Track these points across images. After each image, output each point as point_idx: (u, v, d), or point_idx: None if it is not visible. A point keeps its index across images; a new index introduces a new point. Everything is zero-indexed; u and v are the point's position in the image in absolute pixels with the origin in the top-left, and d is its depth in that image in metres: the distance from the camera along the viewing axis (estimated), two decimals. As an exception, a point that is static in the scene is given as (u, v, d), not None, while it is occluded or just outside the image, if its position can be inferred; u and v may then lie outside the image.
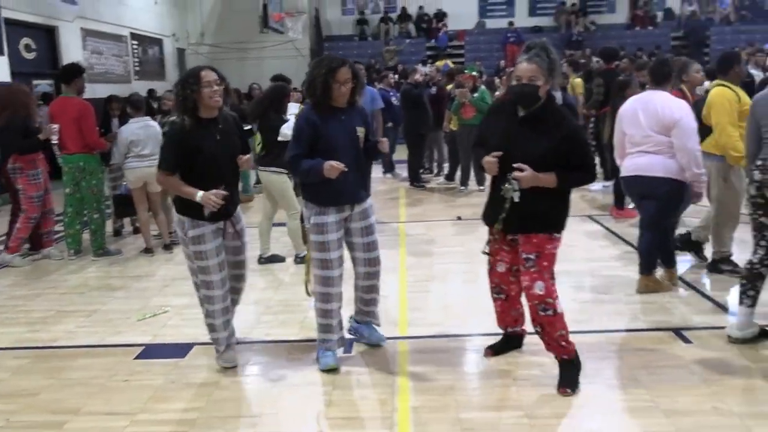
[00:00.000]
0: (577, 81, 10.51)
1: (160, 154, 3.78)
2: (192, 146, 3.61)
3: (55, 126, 6.32)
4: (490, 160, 3.37)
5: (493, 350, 3.94)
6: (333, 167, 3.52)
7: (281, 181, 5.99)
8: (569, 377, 3.48)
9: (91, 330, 4.68)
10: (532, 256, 3.43)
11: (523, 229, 3.47)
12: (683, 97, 5.38)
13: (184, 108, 3.60)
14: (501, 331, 4.00)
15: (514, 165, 3.29)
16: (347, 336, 4.08)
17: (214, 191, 3.54)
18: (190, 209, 3.66)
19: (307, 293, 4.00)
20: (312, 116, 3.67)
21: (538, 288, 3.40)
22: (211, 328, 3.88)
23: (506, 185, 3.34)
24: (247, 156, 3.89)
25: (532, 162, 3.29)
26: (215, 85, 3.57)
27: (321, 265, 3.77)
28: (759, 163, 3.85)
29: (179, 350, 4.21)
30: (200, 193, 3.54)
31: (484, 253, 3.84)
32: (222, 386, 3.72)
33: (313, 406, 3.45)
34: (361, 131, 3.79)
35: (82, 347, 4.37)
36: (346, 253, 3.91)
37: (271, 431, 3.25)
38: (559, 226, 3.48)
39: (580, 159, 3.42)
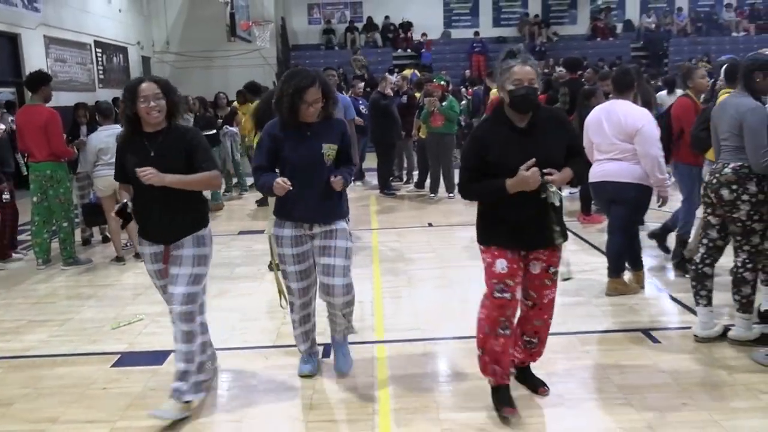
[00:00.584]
0: None
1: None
2: (124, 160, 3.41)
3: (1, 126, 6.33)
4: (533, 171, 3.05)
5: (511, 405, 3.33)
6: (279, 185, 3.38)
7: None
8: (539, 378, 3.62)
9: (65, 339, 4.63)
10: (556, 269, 3.36)
11: (558, 240, 3.26)
12: (692, 103, 5.49)
13: (124, 120, 3.41)
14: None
15: (545, 171, 3.08)
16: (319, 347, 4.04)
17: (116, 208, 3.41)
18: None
19: (281, 306, 4.06)
20: (274, 131, 3.55)
21: (555, 298, 3.43)
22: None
23: (549, 191, 3.12)
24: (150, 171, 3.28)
25: (554, 165, 3.14)
26: (153, 100, 3.28)
27: (283, 275, 3.74)
28: (714, 166, 4.05)
29: (156, 358, 4.20)
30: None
31: (567, 279, 3.65)
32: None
33: (294, 409, 3.48)
34: (329, 148, 3.52)
35: (58, 356, 4.32)
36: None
37: (255, 435, 3.27)
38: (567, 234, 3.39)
39: (577, 145, 3.51)
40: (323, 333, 4.07)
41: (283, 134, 3.52)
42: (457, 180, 3.61)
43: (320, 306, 3.84)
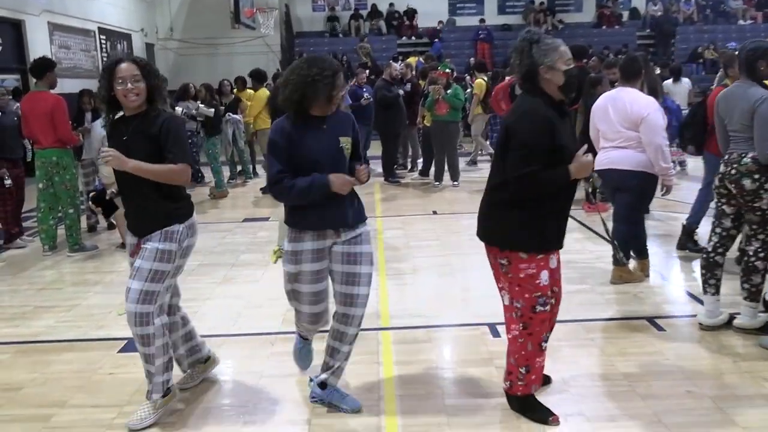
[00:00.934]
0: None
1: None
2: (110, 144, 3.17)
3: None
4: (589, 155, 2.94)
5: (551, 413, 3.20)
6: (342, 180, 3.04)
7: None
8: None
9: (72, 324, 4.66)
10: None
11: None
12: None
13: (102, 102, 3.20)
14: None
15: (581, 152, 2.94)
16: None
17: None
18: None
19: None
20: (287, 127, 3.08)
21: None
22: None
23: (594, 176, 3.08)
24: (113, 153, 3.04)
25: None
26: (131, 82, 3.05)
27: (291, 296, 3.34)
28: (725, 156, 4.02)
29: (163, 343, 4.21)
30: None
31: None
32: (208, 378, 3.74)
33: (300, 395, 3.50)
34: (346, 142, 3.15)
35: (65, 341, 4.35)
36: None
37: (262, 419, 3.29)
38: None
39: None
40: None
41: (296, 129, 3.08)
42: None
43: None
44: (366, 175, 3.19)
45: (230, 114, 10.42)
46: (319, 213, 3.10)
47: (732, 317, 4.14)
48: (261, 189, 9.83)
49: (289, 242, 3.20)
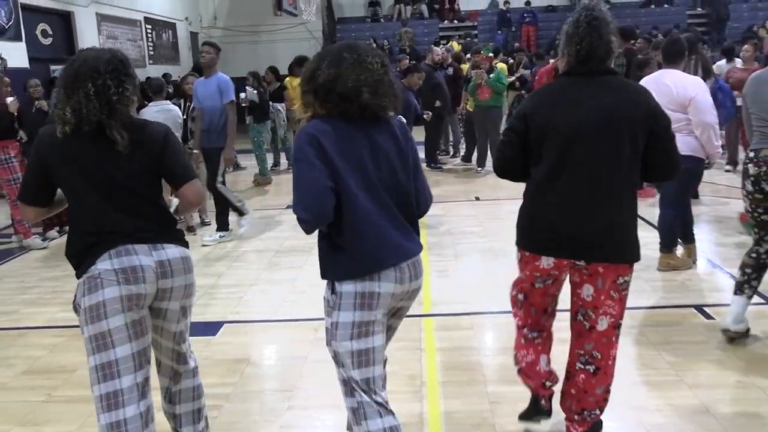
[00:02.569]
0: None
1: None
2: None
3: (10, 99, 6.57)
4: None
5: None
6: None
7: None
8: None
9: (122, 309, 4.80)
10: None
11: None
12: None
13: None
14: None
15: None
16: None
17: None
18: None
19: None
20: None
21: None
22: None
23: None
24: None
25: None
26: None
27: (342, 360, 2.42)
28: (751, 155, 3.61)
29: (210, 328, 4.32)
30: None
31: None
32: (253, 363, 3.82)
33: (343, 381, 3.54)
34: None
35: (116, 326, 4.48)
36: None
37: (305, 404, 3.35)
38: None
39: None
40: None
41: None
42: None
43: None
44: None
45: (272, 103, 10.49)
46: None
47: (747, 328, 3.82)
48: None
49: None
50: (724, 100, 7.87)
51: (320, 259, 2.39)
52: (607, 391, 2.80)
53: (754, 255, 3.72)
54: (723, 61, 10.74)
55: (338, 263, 2.31)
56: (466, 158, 10.46)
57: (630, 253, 2.59)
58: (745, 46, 9.03)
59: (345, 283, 2.30)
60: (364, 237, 2.23)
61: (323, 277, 2.40)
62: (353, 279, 2.27)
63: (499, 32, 20.46)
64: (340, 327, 2.34)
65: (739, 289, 3.75)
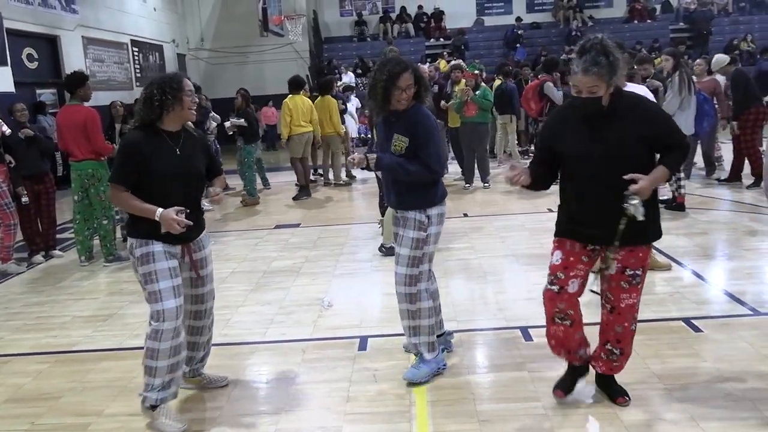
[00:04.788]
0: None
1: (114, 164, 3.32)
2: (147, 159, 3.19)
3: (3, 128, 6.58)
4: None
5: (563, 389, 3.36)
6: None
7: None
8: (621, 387, 3.36)
9: (109, 334, 4.75)
10: (639, 272, 3.10)
11: (634, 241, 3.04)
12: None
13: (151, 114, 3.22)
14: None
15: (626, 177, 2.88)
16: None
17: (177, 213, 3.11)
18: (139, 228, 3.23)
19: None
20: (377, 118, 3.76)
21: (637, 304, 3.19)
22: (149, 371, 3.24)
23: (628, 203, 2.86)
24: (219, 191, 3.56)
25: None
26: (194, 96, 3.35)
27: (426, 259, 3.69)
28: None
29: (197, 351, 4.26)
30: (159, 211, 3.11)
31: (593, 291, 3.24)
32: (241, 386, 3.78)
33: (331, 401, 3.51)
34: (398, 139, 3.51)
35: (102, 351, 4.43)
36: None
37: (293, 427, 3.30)
38: (659, 233, 3.17)
39: (671, 137, 3.05)
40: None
41: (379, 120, 3.68)
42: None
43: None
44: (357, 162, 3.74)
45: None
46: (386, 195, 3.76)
47: None
48: (293, 198, 9.92)
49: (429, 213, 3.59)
50: (709, 111, 8.00)
51: (410, 195, 3.57)
52: (625, 333, 3.20)
53: None
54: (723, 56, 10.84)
55: (431, 194, 3.59)
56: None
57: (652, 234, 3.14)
58: (698, 60, 9.61)
59: (435, 208, 3.60)
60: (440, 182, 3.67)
61: (416, 207, 3.57)
62: (440, 204, 3.63)
63: (518, 45, 20.45)
64: (432, 237, 3.63)
65: None
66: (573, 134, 3.04)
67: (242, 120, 9.71)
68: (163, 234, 3.16)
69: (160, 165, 3.19)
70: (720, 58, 9.06)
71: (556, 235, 3.23)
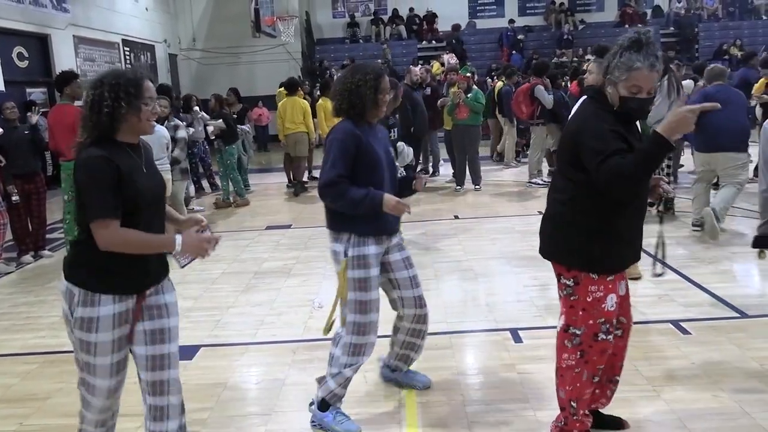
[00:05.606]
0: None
1: (88, 197, 2.32)
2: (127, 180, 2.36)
3: None
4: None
5: None
6: (396, 204, 3.01)
7: None
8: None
9: (97, 334, 4.72)
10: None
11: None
12: None
13: (100, 125, 2.38)
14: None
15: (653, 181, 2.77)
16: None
17: (197, 232, 2.47)
18: (94, 274, 2.39)
19: (325, 332, 3.24)
20: (356, 131, 3.06)
21: None
22: (81, 414, 2.64)
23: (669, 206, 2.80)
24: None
25: None
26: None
27: (360, 309, 3.13)
28: None
29: (186, 352, 4.23)
30: (179, 237, 2.41)
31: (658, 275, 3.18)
32: (230, 387, 3.77)
33: (321, 404, 3.50)
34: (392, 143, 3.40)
35: (90, 351, 4.41)
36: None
37: (283, 428, 3.31)
38: None
39: None
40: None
41: (361, 132, 3.08)
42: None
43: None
44: (422, 184, 3.43)
45: (239, 125, 10.47)
46: (386, 216, 3.09)
47: None
48: (294, 193, 10.20)
49: (355, 248, 3.10)
50: None
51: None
52: (565, 399, 2.86)
53: None
54: (689, 81, 10.93)
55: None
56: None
57: (562, 256, 2.77)
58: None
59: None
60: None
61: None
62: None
63: (515, 53, 20.35)
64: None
65: None
66: (627, 138, 2.60)
67: (220, 121, 9.67)
68: (181, 267, 2.54)
69: (135, 186, 2.37)
70: (686, 85, 8.93)
71: (598, 272, 2.68)
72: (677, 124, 2.39)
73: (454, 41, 20.27)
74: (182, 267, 2.52)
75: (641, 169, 2.43)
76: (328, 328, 3.21)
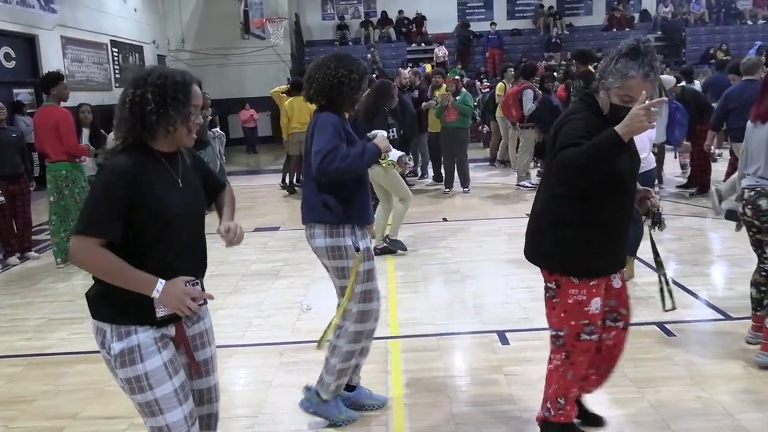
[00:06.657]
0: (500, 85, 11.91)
1: (85, 205, 2.09)
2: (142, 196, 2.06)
3: None
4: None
5: None
6: (380, 138, 3.12)
7: (386, 171, 6.02)
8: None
9: (84, 337, 4.69)
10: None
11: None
12: None
13: (140, 129, 2.08)
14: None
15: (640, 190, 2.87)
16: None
17: (187, 284, 2.11)
18: (113, 306, 2.10)
19: (320, 346, 3.29)
20: (342, 122, 3.11)
21: None
22: None
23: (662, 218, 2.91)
24: (236, 231, 2.46)
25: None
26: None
27: (366, 298, 3.21)
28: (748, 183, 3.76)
29: (173, 354, 4.25)
30: (161, 284, 2.04)
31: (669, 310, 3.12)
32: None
33: (309, 406, 3.51)
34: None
35: (77, 354, 4.39)
36: None
37: (270, 430, 3.31)
38: None
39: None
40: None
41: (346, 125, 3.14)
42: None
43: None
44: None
45: (215, 130, 10.46)
46: (368, 209, 3.21)
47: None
48: (288, 189, 10.41)
49: (360, 240, 3.17)
50: (681, 119, 8.11)
51: None
52: (552, 395, 2.90)
53: (764, 273, 3.88)
54: (670, 77, 10.96)
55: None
56: (438, 178, 10.55)
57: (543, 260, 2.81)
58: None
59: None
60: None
61: None
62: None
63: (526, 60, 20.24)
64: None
65: (759, 305, 3.91)
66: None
67: None
68: (158, 318, 2.11)
69: (162, 204, 2.09)
70: (666, 80, 8.94)
71: (581, 276, 2.70)
72: (631, 121, 2.37)
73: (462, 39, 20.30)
74: (159, 318, 2.10)
75: (591, 161, 2.43)
76: (323, 343, 3.26)
